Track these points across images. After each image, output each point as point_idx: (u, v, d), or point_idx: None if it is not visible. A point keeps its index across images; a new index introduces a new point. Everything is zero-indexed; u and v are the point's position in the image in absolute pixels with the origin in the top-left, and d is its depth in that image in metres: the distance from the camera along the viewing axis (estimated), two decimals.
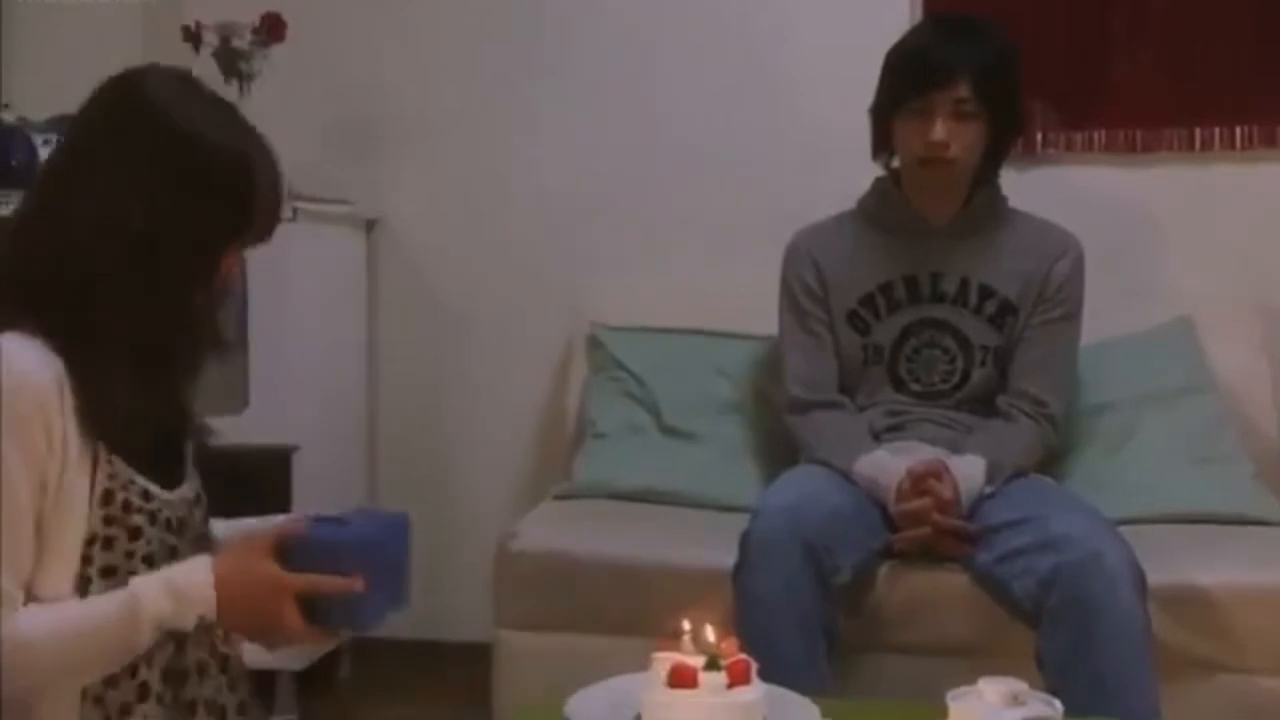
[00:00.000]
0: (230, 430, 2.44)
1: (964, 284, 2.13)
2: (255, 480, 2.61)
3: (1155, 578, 1.80)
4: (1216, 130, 2.57)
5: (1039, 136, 2.62)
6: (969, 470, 1.96)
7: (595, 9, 2.75)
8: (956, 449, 2.04)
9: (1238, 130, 2.56)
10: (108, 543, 1.25)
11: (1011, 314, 2.12)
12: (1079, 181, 2.61)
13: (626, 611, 1.95)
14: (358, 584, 1.24)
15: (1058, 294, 2.12)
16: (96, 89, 1.30)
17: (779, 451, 2.27)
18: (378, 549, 1.29)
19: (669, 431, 2.42)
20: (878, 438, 2.11)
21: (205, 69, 2.60)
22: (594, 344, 2.57)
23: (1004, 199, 2.20)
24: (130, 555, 1.26)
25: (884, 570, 1.92)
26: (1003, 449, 2.03)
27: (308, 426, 2.55)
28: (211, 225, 1.28)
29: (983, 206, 2.15)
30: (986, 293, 2.13)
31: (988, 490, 1.97)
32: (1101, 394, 2.31)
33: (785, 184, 2.64)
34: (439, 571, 2.61)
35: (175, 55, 2.63)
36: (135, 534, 1.26)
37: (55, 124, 2.52)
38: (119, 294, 1.24)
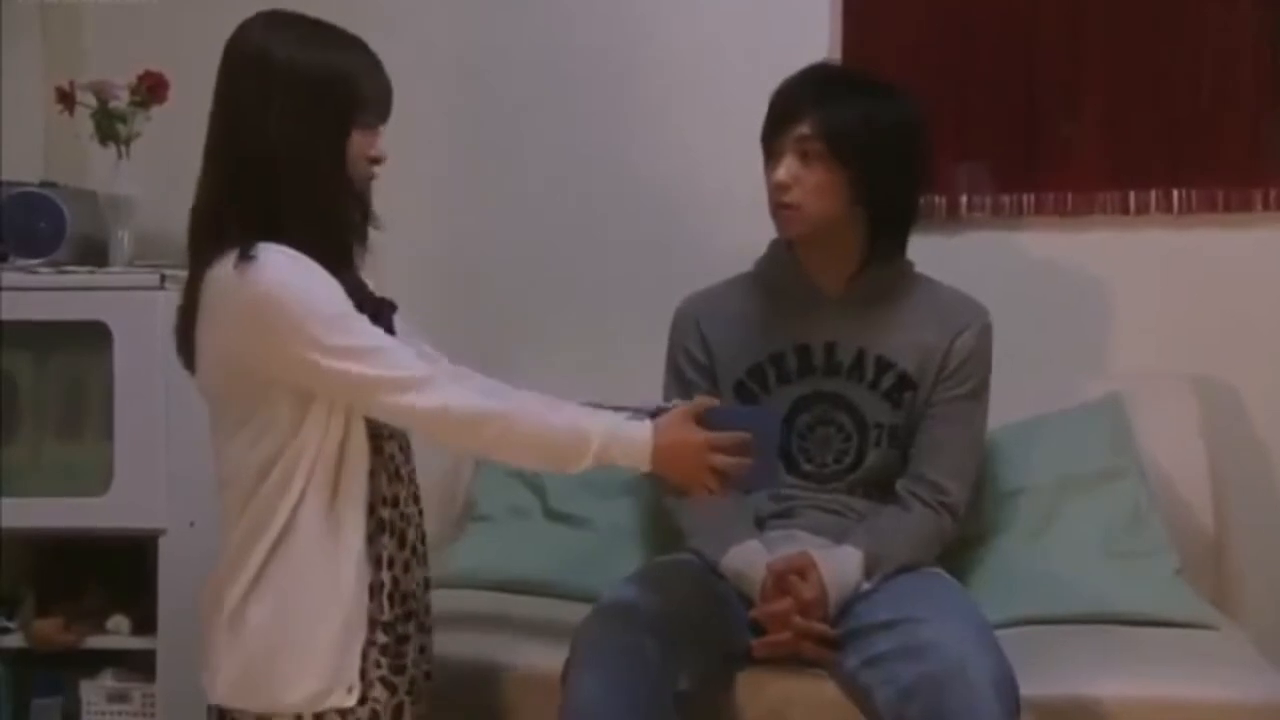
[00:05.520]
0: (92, 514, 2.33)
1: (860, 355, 1.95)
2: (111, 566, 2.45)
3: (1047, 688, 1.64)
4: (1153, 193, 2.40)
5: (964, 199, 2.46)
6: (841, 566, 1.78)
7: (484, 74, 2.61)
8: (843, 539, 1.86)
9: (1175, 193, 2.39)
10: None
11: (910, 389, 1.94)
12: (1006, 247, 2.44)
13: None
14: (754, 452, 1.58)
15: (960, 370, 1.94)
16: (223, 52, 1.61)
17: (668, 538, 2.09)
18: (771, 427, 1.66)
19: (554, 515, 2.25)
20: (763, 525, 1.92)
21: (84, 130, 2.50)
22: None
23: (909, 264, 2.03)
24: None
25: (741, 676, 1.73)
26: (889, 540, 1.85)
27: (178, 510, 2.38)
28: (331, 124, 1.56)
29: (879, 272, 1.97)
30: (884, 365, 1.95)
31: (866, 586, 1.78)
32: (1020, 477, 2.13)
33: (682, 249, 2.49)
34: None
35: (81, 115, 2.51)
36: None
37: None
38: (295, 194, 1.53)
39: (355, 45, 1.62)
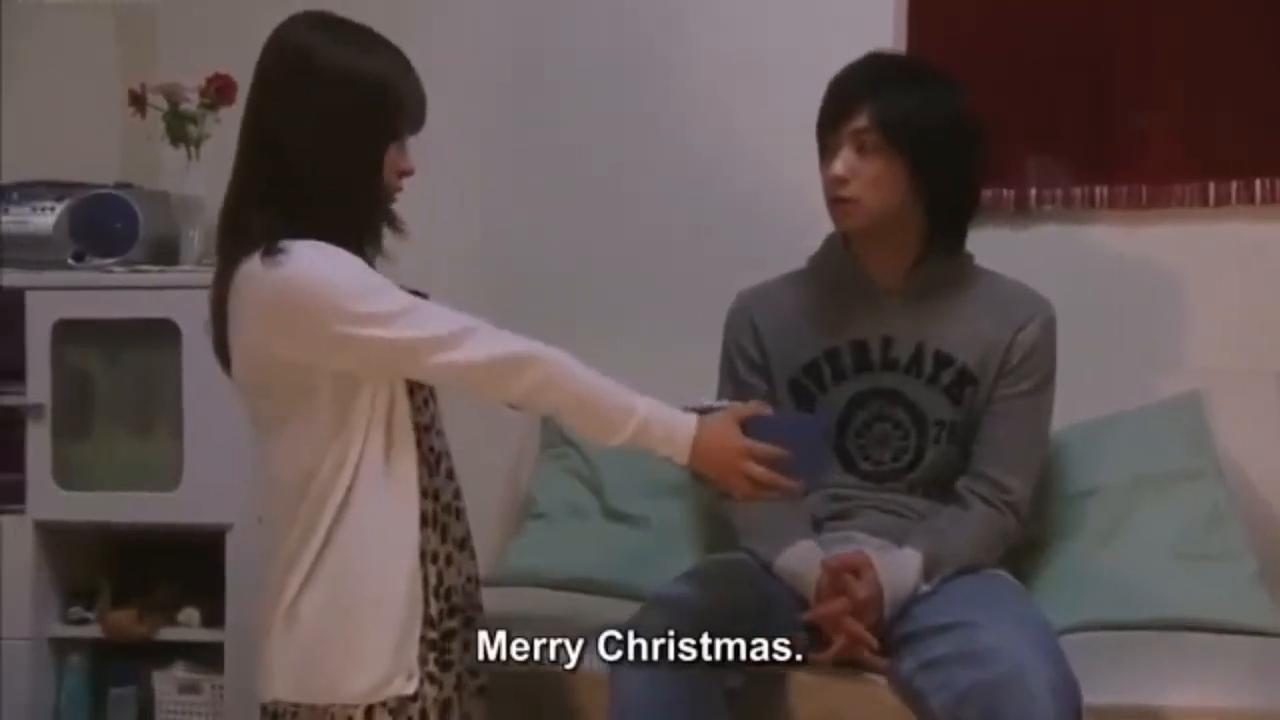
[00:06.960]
0: (162, 509, 2.37)
1: (918, 350, 1.90)
2: (185, 560, 2.49)
3: (1113, 696, 1.59)
4: (1234, 184, 2.30)
5: (1033, 192, 2.39)
6: (898, 568, 1.74)
7: (525, 71, 2.59)
8: (903, 540, 1.82)
9: (1258, 184, 2.29)
10: None
11: (971, 385, 1.89)
12: (1078, 241, 2.37)
13: None
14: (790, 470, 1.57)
15: (1023, 365, 1.88)
16: (261, 52, 1.59)
17: (727, 537, 2.06)
18: (817, 437, 1.69)
19: (612, 514, 2.23)
20: (820, 527, 1.89)
21: (155, 132, 2.54)
22: (546, 417, 2.41)
23: (968, 256, 1.97)
24: None
25: (795, 677, 1.70)
26: (949, 541, 1.80)
27: (246, 505, 2.42)
28: (372, 132, 1.56)
29: (938, 265, 1.92)
30: (943, 360, 1.90)
31: (925, 588, 1.74)
32: (1092, 477, 2.05)
33: (727, 247, 2.46)
34: None
35: (153, 116, 2.57)
36: None
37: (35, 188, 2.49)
38: (327, 198, 1.53)
39: (396, 54, 1.60)
